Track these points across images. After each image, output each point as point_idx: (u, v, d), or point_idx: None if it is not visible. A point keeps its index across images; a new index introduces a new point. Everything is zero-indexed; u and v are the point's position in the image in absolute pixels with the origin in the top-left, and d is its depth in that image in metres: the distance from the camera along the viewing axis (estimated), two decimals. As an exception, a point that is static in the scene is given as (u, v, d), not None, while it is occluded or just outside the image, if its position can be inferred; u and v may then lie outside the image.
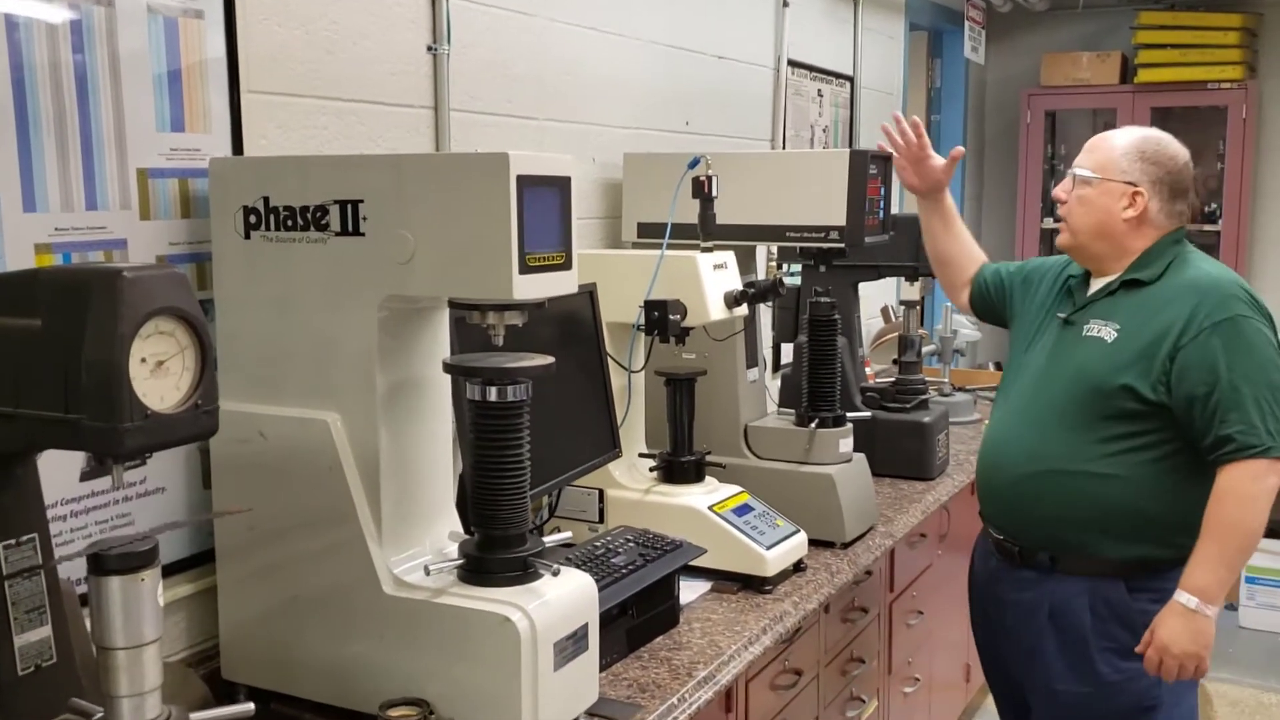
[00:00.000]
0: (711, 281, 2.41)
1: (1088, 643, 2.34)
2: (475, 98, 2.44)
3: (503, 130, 2.53)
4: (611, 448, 2.40)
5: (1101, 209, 2.33)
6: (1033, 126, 5.69)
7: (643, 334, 2.39)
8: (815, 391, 2.74)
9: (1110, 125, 5.68)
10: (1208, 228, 5.60)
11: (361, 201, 1.66)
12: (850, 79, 4.28)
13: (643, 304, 2.35)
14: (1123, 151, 2.33)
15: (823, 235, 2.63)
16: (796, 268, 3.46)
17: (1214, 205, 5.65)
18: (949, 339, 4.18)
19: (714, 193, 2.45)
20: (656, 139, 3.11)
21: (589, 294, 2.36)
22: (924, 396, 3.34)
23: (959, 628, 3.77)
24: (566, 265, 1.68)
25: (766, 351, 3.58)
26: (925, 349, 4.22)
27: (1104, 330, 2.31)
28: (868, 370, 4.10)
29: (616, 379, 2.48)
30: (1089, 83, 5.57)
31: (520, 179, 1.57)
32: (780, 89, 3.74)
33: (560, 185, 1.67)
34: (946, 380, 4.18)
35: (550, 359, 1.69)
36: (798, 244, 2.67)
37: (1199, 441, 2.20)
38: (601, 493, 2.50)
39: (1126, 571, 2.31)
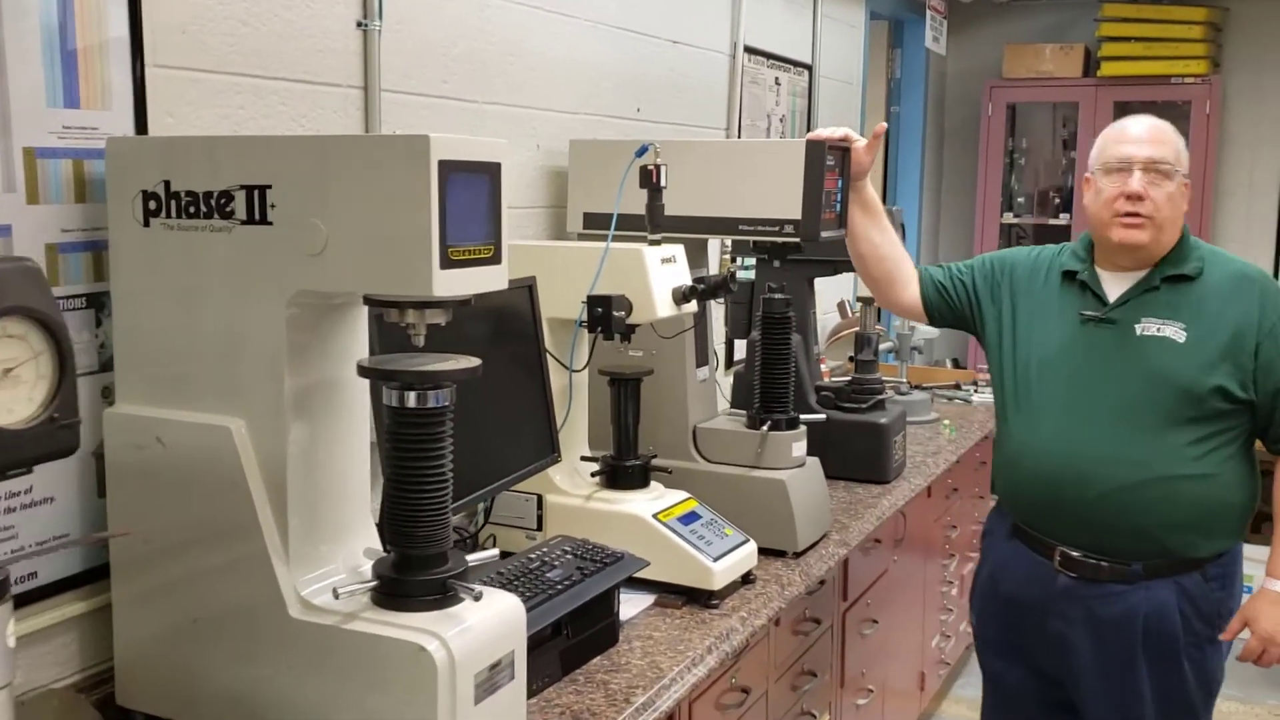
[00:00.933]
0: (659, 276, 2.27)
1: (1177, 640, 2.31)
2: (409, 78, 2.29)
3: (439, 113, 2.38)
4: (550, 452, 2.26)
5: (1179, 204, 2.30)
6: (994, 119, 5.60)
7: (585, 331, 2.25)
8: (768, 392, 2.61)
9: (1072, 119, 5.61)
10: (1168, 225, 5.53)
11: (269, 187, 1.51)
12: (809, 67, 4.16)
13: (585, 299, 2.22)
14: (1180, 141, 2.33)
15: (777, 229, 2.50)
16: (751, 262, 3.34)
17: (1175, 202, 5.57)
18: (906, 336, 4.08)
19: (662, 183, 2.31)
20: (606, 126, 2.97)
21: (527, 288, 2.22)
22: (881, 396, 3.22)
23: (913, 635, 3.68)
24: (495, 259, 1.53)
25: (720, 348, 3.45)
26: (882, 346, 4.11)
27: (1168, 330, 2.26)
28: (823, 368, 3.99)
29: (558, 378, 2.35)
30: (1051, 75, 5.48)
31: (444, 165, 1.42)
32: (736, 76, 3.61)
33: (490, 172, 1.52)
34: (904, 379, 4.08)
35: (476, 362, 1.55)
36: (752, 237, 2.54)
37: (1271, 430, 2.29)
38: (540, 499, 2.37)
39: (1204, 564, 2.31)
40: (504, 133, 2.60)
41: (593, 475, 2.36)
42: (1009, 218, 5.72)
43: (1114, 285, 2.36)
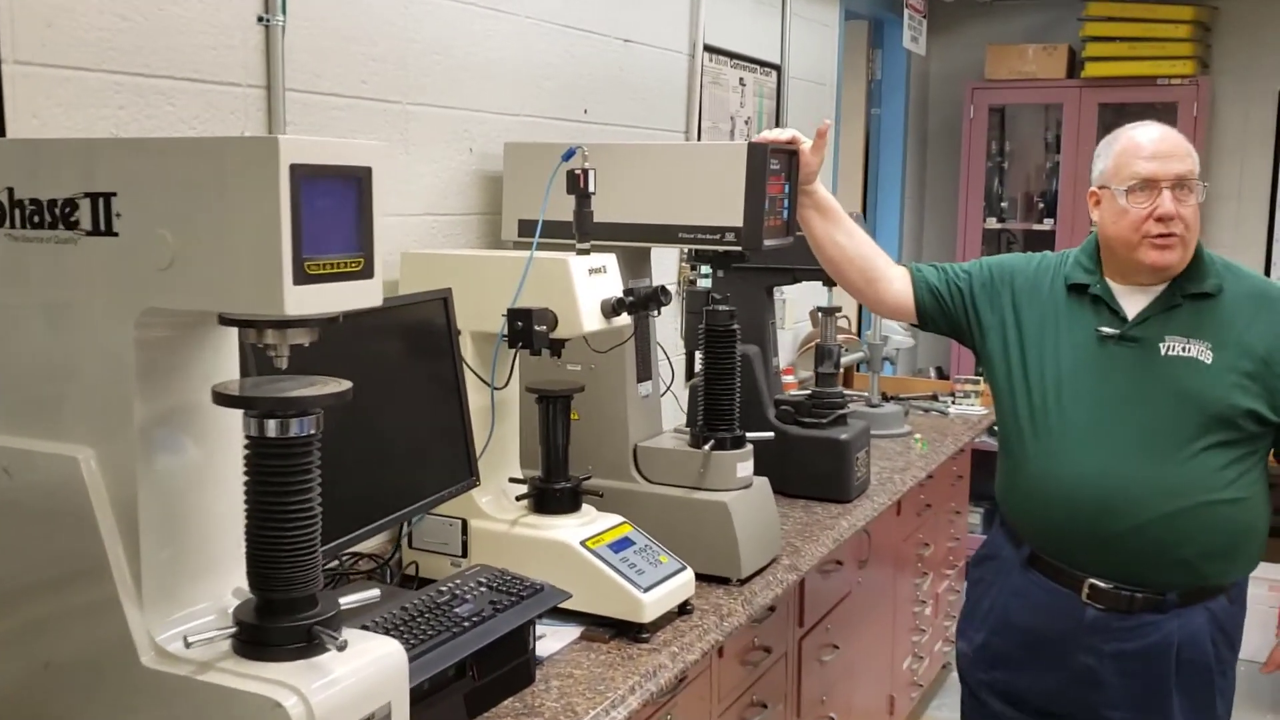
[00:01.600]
0: (586, 288, 2.13)
1: (1210, 670, 2.24)
2: (321, 77, 2.15)
3: (356, 115, 2.25)
4: (467, 476, 2.12)
5: (1199, 216, 2.21)
6: (976, 122, 5.45)
7: (507, 346, 2.11)
8: (711, 409, 2.47)
9: (1057, 121, 5.46)
10: (1155, 230, 5.38)
11: (115, 195, 1.37)
12: (777, 68, 4.02)
13: (506, 313, 2.08)
14: (1191, 147, 2.21)
15: (718, 237, 2.36)
16: (709, 270, 3.20)
17: (1162, 206, 5.42)
18: (878, 346, 3.93)
19: (591, 188, 2.18)
20: (549, 128, 2.83)
21: (442, 301, 2.08)
22: (842, 411, 3.08)
23: (881, 658, 3.53)
24: (366, 273, 1.39)
25: (679, 360, 3.31)
26: (851, 356, 3.97)
27: (1194, 349, 2.17)
28: (790, 378, 3.85)
29: (482, 396, 2.21)
30: (1035, 76, 5.34)
31: (296, 169, 1.28)
32: (696, 77, 3.47)
33: (357, 178, 1.38)
34: (875, 391, 3.94)
35: (346, 385, 1.41)
36: (691, 246, 2.40)
37: None
38: (465, 523, 2.23)
39: (1230, 588, 2.25)
40: (434, 136, 2.46)
41: (518, 499, 2.22)
42: (993, 223, 5.57)
43: (1131, 301, 2.24)
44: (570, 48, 2.90)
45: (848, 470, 3.02)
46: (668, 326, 3.43)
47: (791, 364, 4.14)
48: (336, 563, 2.16)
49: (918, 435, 3.75)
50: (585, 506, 2.27)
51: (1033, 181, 5.73)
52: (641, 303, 2.17)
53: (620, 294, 2.16)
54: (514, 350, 2.10)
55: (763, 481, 2.54)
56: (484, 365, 2.20)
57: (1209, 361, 2.15)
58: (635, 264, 2.54)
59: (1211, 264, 2.23)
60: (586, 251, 2.19)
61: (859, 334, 4.56)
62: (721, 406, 2.47)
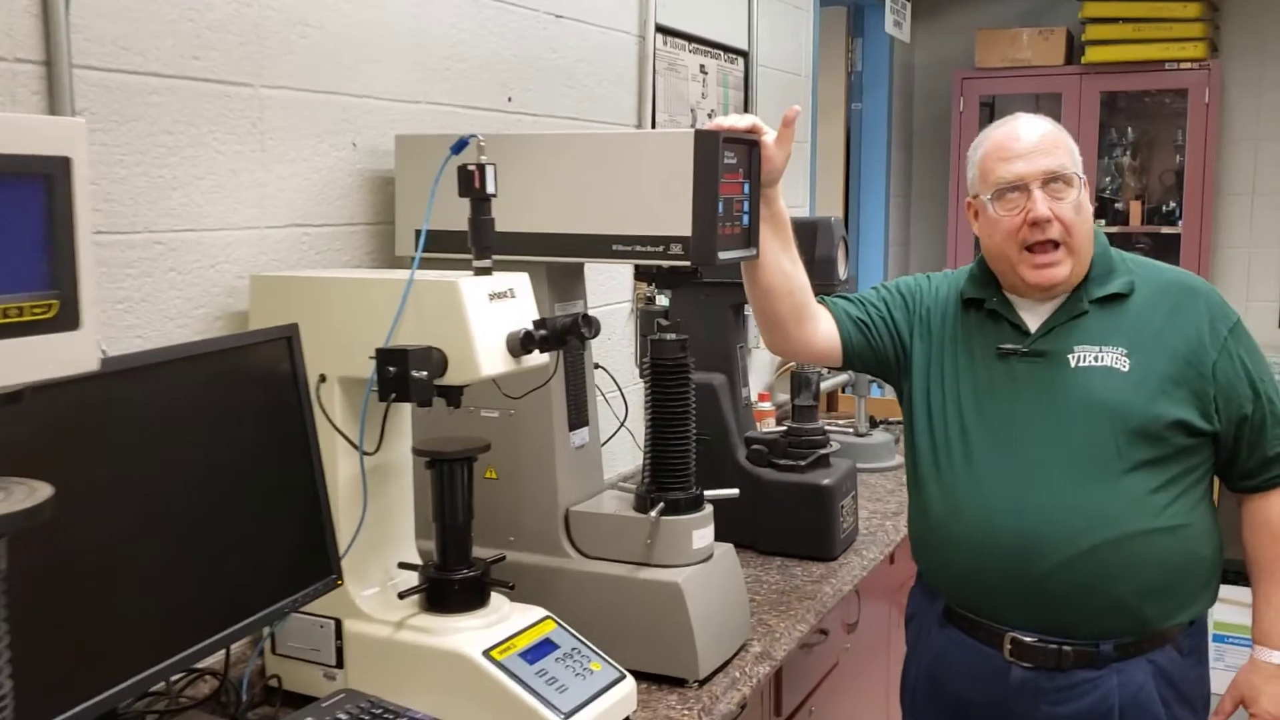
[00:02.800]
0: (485, 318, 1.64)
1: None
2: (130, 50, 1.65)
3: (184, 100, 1.75)
4: (324, 574, 1.61)
5: (1088, 212, 1.95)
6: (966, 114, 4.98)
7: (382, 397, 1.61)
8: (660, 463, 1.98)
9: (1055, 113, 4.99)
10: (1166, 230, 4.92)
11: None
12: (745, 54, 3.53)
13: (374, 355, 1.58)
14: (1067, 135, 1.99)
15: (661, 249, 1.86)
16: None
17: (1172, 204, 4.96)
18: (865, 368, 3.44)
19: (489, 189, 1.69)
20: (463, 120, 2.33)
21: (286, 340, 1.57)
22: (824, 450, 2.59)
23: (875, 735, 3.04)
24: (65, 322, 0.89)
25: (636, 392, 2.81)
26: (832, 380, 3.49)
27: (1107, 357, 1.93)
28: (766, 405, 3.36)
29: (356, 463, 1.71)
30: (1029, 63, 4.87)
31: (-80, 160, 0.79)
32: (647, 61, 2.97)
33: (43, 175, 0.88)
34: (861, 417, 3.44)
35: (43, 494, 0.91)
36: (628, 260, 1.90)
37: (1237, 465, 1.97)
38: (338, 625, 1.73)
39: (1176, 635, 1.96)
40: (301, 128, 1.96)
41: (400, 596, 1.72)
42: (987, 225, 5.10)
43: (1032, 313, 2.01)
44: (488, 22, 2.40)
45: (831, 522, 2.52)
46: (622, 353, 2.93)
47: (769, 388, 3.65)
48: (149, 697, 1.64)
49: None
50: (496, 598, 1.77)
51: (1028, 179, 5.25)
52: (557, 336, 1.67)
53: (531, 325, 1.67)
54: (385, 403, 1.60)
55: (726, 551, 2.04)
56: (352, 421, 1.70)
57: (1125, 369, 1.91)
58: (564, 283, 2.05)
59: (1120, 262, 2.01)
60: (487, 270, 1.70)
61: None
62: (672, 459, 1.98)
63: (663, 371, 1.97)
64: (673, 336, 1.98)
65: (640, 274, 1.96)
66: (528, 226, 1.94)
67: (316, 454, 1.58)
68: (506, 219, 1.93)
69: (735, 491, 2.08)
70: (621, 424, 2.60)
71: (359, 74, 2.07)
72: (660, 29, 3.02)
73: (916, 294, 2.15)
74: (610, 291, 2.89)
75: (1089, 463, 1.89)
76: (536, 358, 1.71)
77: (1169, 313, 1.95)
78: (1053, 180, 1.91)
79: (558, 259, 1.96)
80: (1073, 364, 1.93)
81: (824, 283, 2.56)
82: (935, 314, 2.10)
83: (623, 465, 2.89)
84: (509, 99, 2.48)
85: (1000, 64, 4.92)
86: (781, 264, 2.04)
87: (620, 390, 2.61)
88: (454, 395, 1.70)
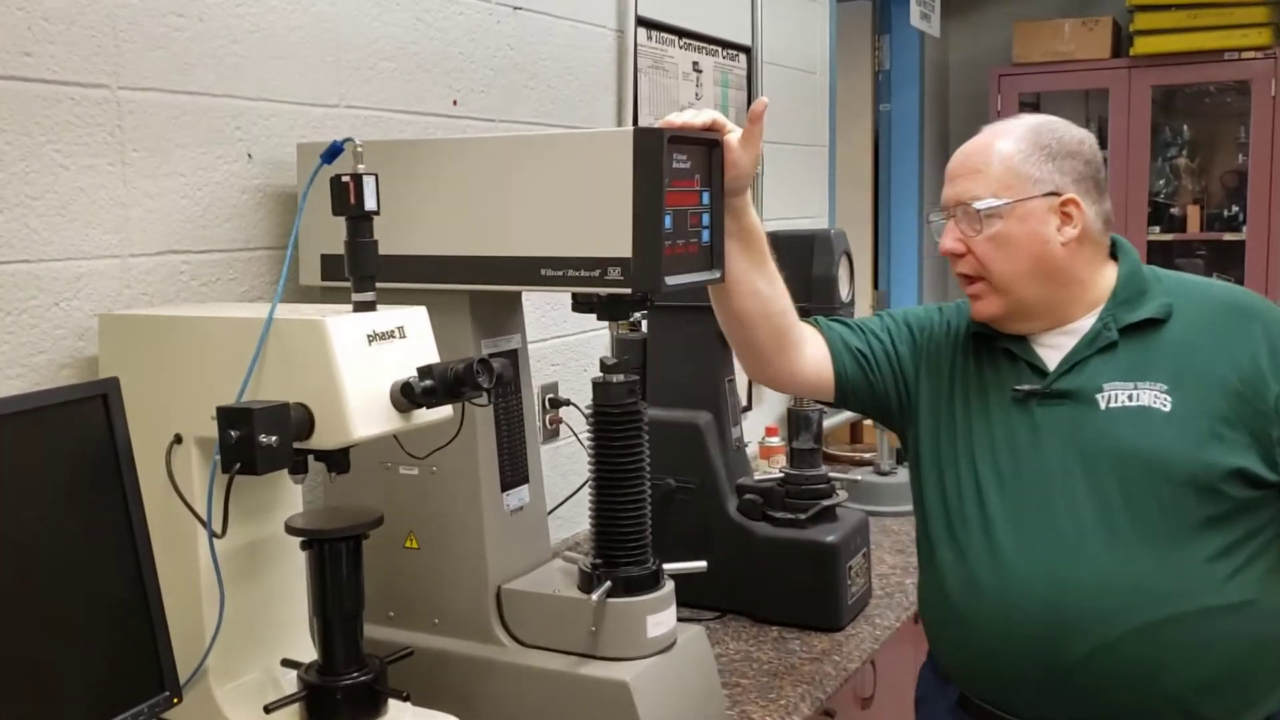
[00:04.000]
0: (361, 366, 1.32)
1: None
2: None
3: (11, 105, 1.44)
4: (155, 690, 1.28)
5: (1029, 242, 1.63)
6: (1005, 114, 4.56)
7: (225, 468, 1.28)
8: (607, 533, 1.65)
9: (1102, 110, 4.60)
10: (1228, 236, 4.49)
11: None
12: (747, 50, 3.19)
13: (215, 415, 1.26)
14: (1018, 153, 1.64)
15: (597, 273, 1.52)
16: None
17: (1235, 208, 4.54)
18: (886, 397, 3.07)
19: (369, 204, 1.36)
20: (392, 127, 2.02)
21: (101, 399, 1.25)
22: (828, 501, 2.23)
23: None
24: None
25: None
26: (838, 418, 3.12)
27: (1145, 395, 1.60)
28: (775, 440, 3.01)
29: (237, 537, 1.39)
30: (1073, 57, 4.47)
31: None
32: (627, 58, 2.64)
33: None
34: (884, 452, 3.07)
35: None
36: (559, 287, 1.56)
37: None
38: (199, 743, 1.41)
39: None
40: (178, 137, 1.65)
41: (267, 710, 1.39)
42: (1029, 234, 4.70)
43: (1052, 347, 1.68)
44: (425, 14, 2.08)
45: (836, 586, 2.17)
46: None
47: (778, 422, 3.29)
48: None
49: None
50: (395, 706, 1.44)
51: (1075, 183, 4.85)
52: (447, 387, 1.33)
53: (415, 375, 1.34)
54: (226, 475, 1.28)
55: (693, 637, 1.70)
56: (202, 494, 1.38)
57: (1166, 409, 1.58)
58: (494, 316, 1.72)
59: (1154, 281, 1.69)
60: (369, 305, 1.37)
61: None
62: (622, 527, 1.64)
63: (608, 421, 1.64)
64: (620, 378, 1.64)
65: (578, 304, 1.62)
66: (438, 249, 1.62)
67: (142, 540, 1.26)
68: (411, 240, 1.62)
69: (702, 565, 1.73)
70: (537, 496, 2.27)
71: (254, 73, 1.76)
72: (643, 22, 2.69)
73: (926, 328, 1.82)
74: (582, 319, 2.55)
75: (1128, 525, 1.56)
76: (425, 413, 1.38)
77: (1218, 339, 1.62)
78: (958, 209, 1.66)
79: (478, 287, 1.63)
80: (1102, 405, 1.61)
81: (823, 305, 2.22)
82: (945, 351, 1.78)
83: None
84: (454, 102, 2.15)
85: (1041, 59, 4.52)
86: (755, 285, 1.71)
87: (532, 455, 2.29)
88: (336, 461, 1.38)
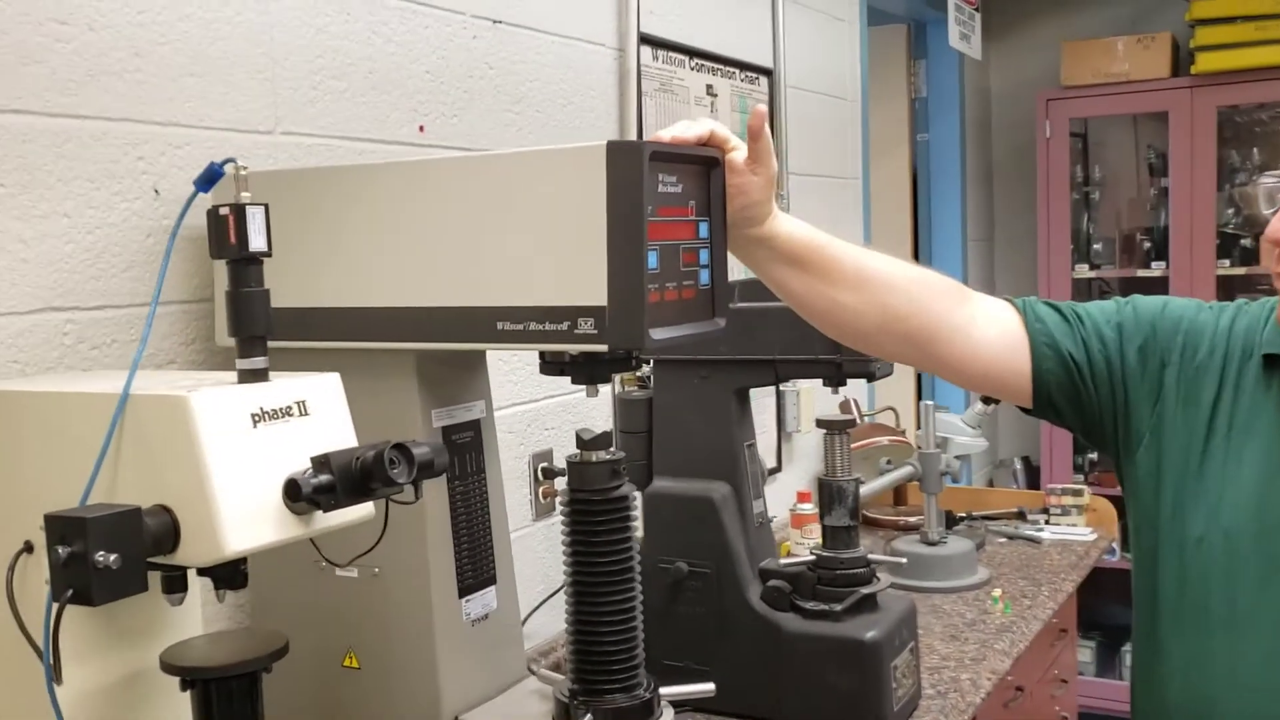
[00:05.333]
0: (240, 456, 1.00)
1: None
2: None
3: None
4: None
5: None
6: (1054, 142, 4.25)
7: (55, 595, 0.97)
8: (588, 653, 1.31)
9: (1162, 133, 4.24)
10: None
11: None
12: (768, 72, 2.88)
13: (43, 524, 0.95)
14: None
15: (565, 326, 1.20)
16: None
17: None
18: (932, 456, 2.72)
19: (256, 244, 1.05)
20: (343, 157, 1.72)
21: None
22: (866, 589, 1.88)
23: None
24: None
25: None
26: (888, 478, 2.77)
27: None
28: (807, 508, 2.66)
29: (103, 673, 1.08)
30: (1128, 78, 4.12)
31: None
32: (629, 80, 2.34)
33: None
34: (934, 520, 2.72)
35: None
36: (520, 345, 1.24)
37: None
38: None
39: None
40: (55, 169, 1.36)
41: None
42: (1084, 270, 4.34)
43: None
44: (382, 27, 1.79)
45: (879, 689, 1.81)
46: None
47: (812, 488, 2.94)
48: None
49: (997, 592, 2.52)
50: None
51: (1132, 215, 4.48)
52: (350, 483, 1.01)
53: (310, 467, 1.02)
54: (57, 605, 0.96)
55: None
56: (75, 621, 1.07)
57: None
58: (448, 380, 1.40)
59: None
60: (258, 375, 1.06)
61: (915, 430, 3.33)
62: (605, 647, 1.31)
63: (586, 511, 1.31)
64: (601, 455, 1.32)
65: (546, 364, 1.30)
66: (375, 299, 1.31)
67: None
68: (339, 288, 1.31)
69: (710, 689, 1.39)
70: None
71: (162, 92, 1.47)
72: (647, 40, 2.39)
73: (1179, 332, 1.36)
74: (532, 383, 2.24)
75: None
76: (324, 519, 1.06)
77: None
78: None
79: (423, 346, 1.32)
80: None
81: (858, 359, 1.89)
82: (1212, 369, 1.33)
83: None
84: (420, 128, 1.85)
85: (1092, 80, 4.18)
86: (835, 297, 1.34)
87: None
88: (223, 577, 1.07)
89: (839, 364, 1.91)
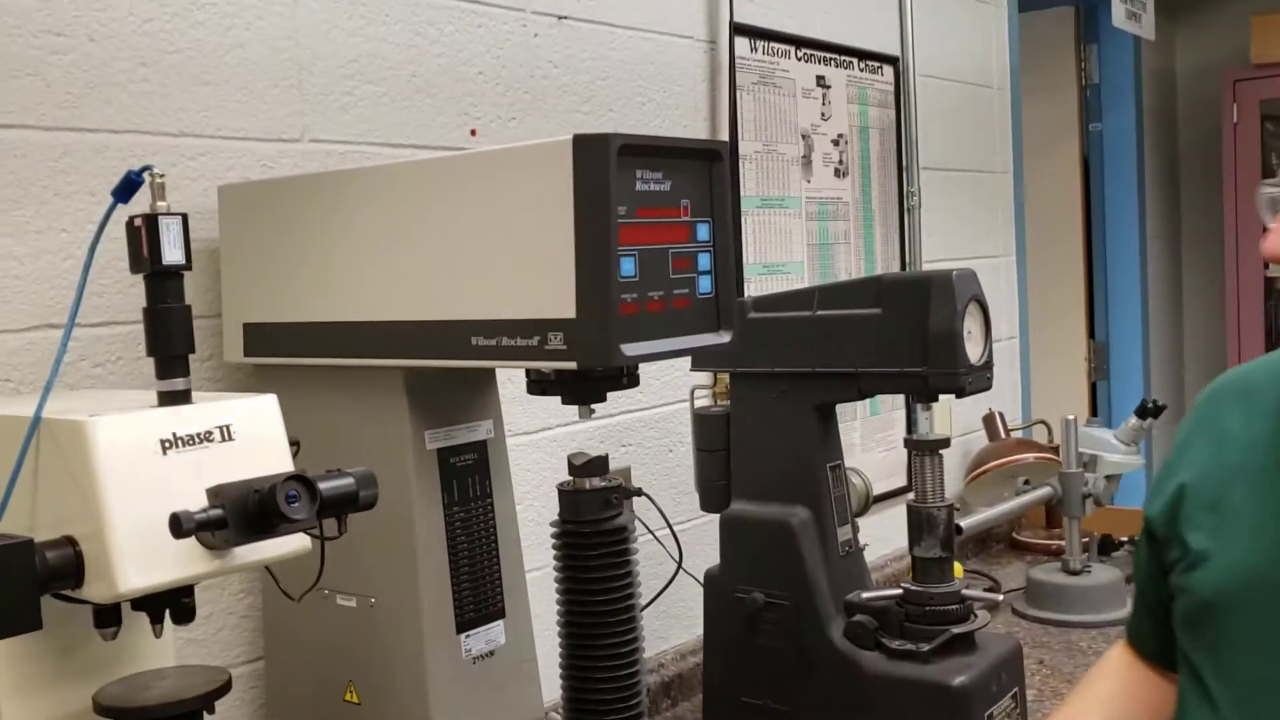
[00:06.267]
0: (144, 485, 0.93)
1: None
2: None
3: None
4: None
5: None
6: (1243, 129, 3.86)
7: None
8: (579, 702, 1.19)
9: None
10: None
11: None
12: (893, 60, 2.68)
13: (-72, 560, 0.90)
14: None
15: (535, 342, 1.08)
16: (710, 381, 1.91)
17: None
18: (1074, 477, 2.46)
19: (170, 257, 0.98)
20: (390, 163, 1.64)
21: None
22: (958, 628, 1.68)
23: None
24: None
25: (701, 536, 1.99)
26: (1026, 498, 2.52)
27: None
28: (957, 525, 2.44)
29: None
30: (1329, 53, 3.71)
31: None
32: (721, 74, 2.20)
33: None
34: (1075, 547, 2.46)
35: None
36: (494, 361, 1.13)
37: None
38: None
39: None
40: (52, 183, 1.33)
41: None
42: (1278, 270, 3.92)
43: None
44: (427, 27, 1.71)
45: (967, 743, 1.62)
46: (679, 476, 2.13)
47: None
48: None
49: None
50: None
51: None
52: (245, 519, 0.92)
53: (205, 502, 0.93)
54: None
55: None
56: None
57: None
58: (447, 397, 1.30)
59: None
60: (179, 397, 0.98)
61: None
62: (597, 696, 1.19)
63: (577, 545, 1.18)
64: (595, 483, 1.19)
65: (532, 382, 1.18)
66: (358, 312, 1.22)
67: None
68: (321, 301, 1.23)
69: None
70: (672, 578, 1.83)
71: (173, 102, 1.43)
72: (742, 30, 2.24)
73: (1169, 479, 1.20)
74: (666, 387, 2.11)
75: None
76: (273, 544, 0.97)
77: None
78: None
79: (407, 362, 1.22)
80: None
81: (944, 370, 1.69)
82: (1212, 471, 1.15)
83: (681, 637, 2.10)
84: (473, 132, 1.77)
85: (1288, 58, 3.78)
86: None
87: (673, 529, 1.86)
88: (154, 611, 1.00)
89: (925, 377, 1.72)
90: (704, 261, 1.15)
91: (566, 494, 1.19)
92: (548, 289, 1.07)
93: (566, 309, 1.06)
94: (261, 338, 1.35)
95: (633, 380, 1.17)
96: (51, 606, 0.98)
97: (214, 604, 1.45)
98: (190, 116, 1.44)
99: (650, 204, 1.09)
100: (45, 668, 1.06)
